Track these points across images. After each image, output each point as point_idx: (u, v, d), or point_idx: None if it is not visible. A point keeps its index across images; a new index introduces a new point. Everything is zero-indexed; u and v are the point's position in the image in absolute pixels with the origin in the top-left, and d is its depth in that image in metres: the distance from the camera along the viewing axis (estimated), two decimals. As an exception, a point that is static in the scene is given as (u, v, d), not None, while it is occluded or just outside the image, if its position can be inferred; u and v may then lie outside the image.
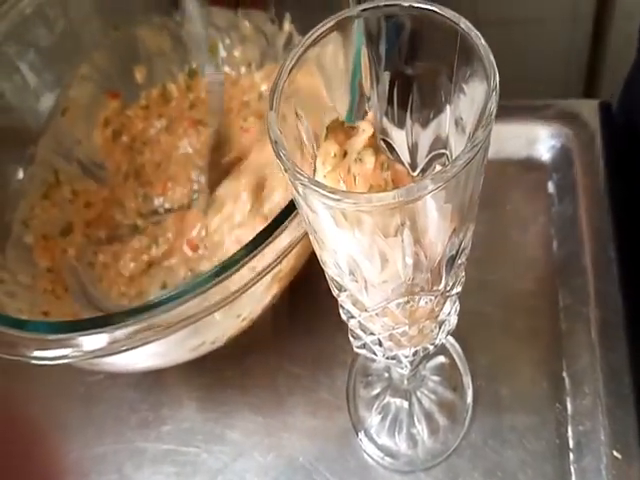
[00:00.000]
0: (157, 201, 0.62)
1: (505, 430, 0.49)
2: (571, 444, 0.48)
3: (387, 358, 0.40)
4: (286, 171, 0.27)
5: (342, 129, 0.31)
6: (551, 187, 0.59)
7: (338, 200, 0.25)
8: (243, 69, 0.64)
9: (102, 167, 0.62)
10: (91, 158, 0.62)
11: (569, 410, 0.49)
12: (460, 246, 0.32)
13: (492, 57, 0.28)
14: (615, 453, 0.46)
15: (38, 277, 0.53)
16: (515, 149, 0.61)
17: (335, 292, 0.36)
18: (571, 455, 0.47)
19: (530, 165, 0.61)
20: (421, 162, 0.35)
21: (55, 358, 0.40)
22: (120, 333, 0.39)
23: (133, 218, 0.61)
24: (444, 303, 0.36)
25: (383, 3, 0.31)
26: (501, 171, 0.60)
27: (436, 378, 0.52)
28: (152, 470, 0.51)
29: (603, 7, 1.01)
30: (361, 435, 0.50)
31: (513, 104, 0.62)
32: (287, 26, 0.60)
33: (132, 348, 0.40)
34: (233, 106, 0.63)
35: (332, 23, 0.31)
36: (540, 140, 0.61)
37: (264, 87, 0.62)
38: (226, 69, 0.64)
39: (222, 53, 0.64)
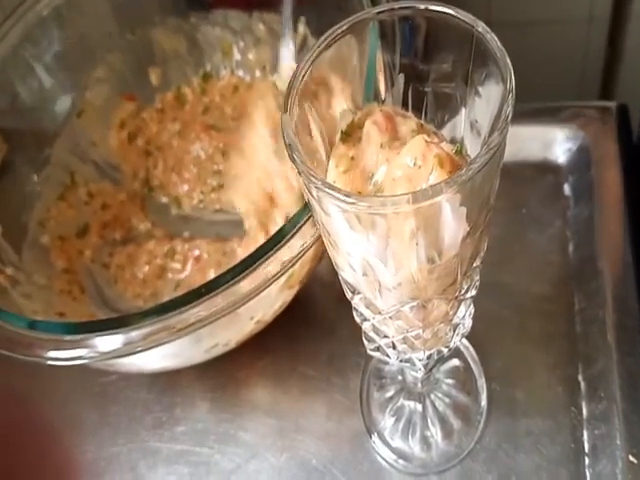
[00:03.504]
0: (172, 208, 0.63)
1: (520, 434, 0.48)
2: (586, 448, 0.47)
3: (401, 361, 0.40)
4: (300, 174, 0.27)
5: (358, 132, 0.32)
6: (567, 190, 0.59)
7: (352, 203, 0.25)
8: (257, 72, 0.64)
9: (117, 169, 0.63)
10: (107, 160, 0.62)
11: (584, 414, 0.48)
12: (475, 249, 0.32)
13: (508, 60, 0.28)
14: (631, 458, 0.45)
15: (54, 278, 0.54)
16: (531, 151, 0.61)
17: (349, 295, 0.36)
18: (586, 459, 0.47)
19: (546, 168, 0.60)
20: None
21: (70, 359, 0.40)
22: (135, 334, 0.40)
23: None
24: (458, 306, 0.36)
25: (398, 5, 0.31)
26: (517, 173, 0.60)
27: (450, 381, 0.51)
28: (166, 470, 0.51)
29: (619, 9, 1.01)
30: (374, 437, 0.50)
31: (529, 106, 0.62)
32: (302, 28, 0.60)
33: (147, 349, 0.40)
34: (246, 112, 0.63)
35: (347, 26, 0.31)
36: (556, 142, 0.61)
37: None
38: (240, 72, 0.65)
39: (237, 56, 0.64)
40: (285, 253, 0.40)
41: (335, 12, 0.52)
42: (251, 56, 0.64)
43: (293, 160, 0.27)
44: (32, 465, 0.54)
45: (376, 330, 0.37)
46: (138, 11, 0.63)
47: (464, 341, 0.52)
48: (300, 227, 0.41)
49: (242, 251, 0.55)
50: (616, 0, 1.00)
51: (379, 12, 0.31)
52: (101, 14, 0.61)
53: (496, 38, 0.29)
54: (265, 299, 0.45)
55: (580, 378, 0.50)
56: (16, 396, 0.57)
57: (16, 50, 0.56)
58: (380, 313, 0.35)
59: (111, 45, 0.62)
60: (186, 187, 0.62)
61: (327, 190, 0.26)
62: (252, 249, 0.53)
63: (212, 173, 0.62)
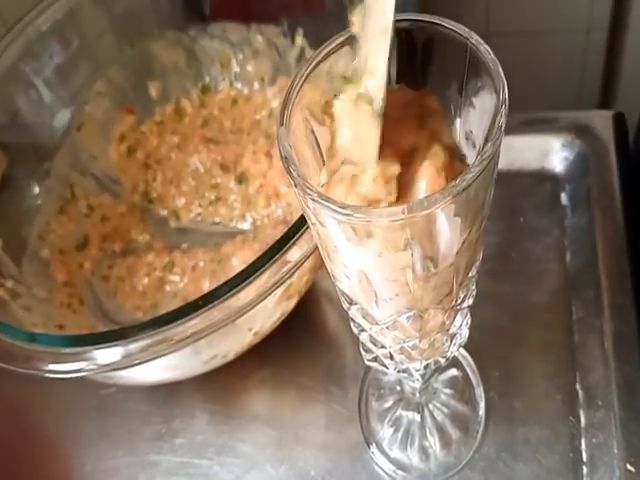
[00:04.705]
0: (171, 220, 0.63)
1: (518, 443, 0.48)
2: (584, 457, 0.47)
3: (398, 371, 0.40)
4: (296, 186, 0.27)
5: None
6: (564, 199, 0.59)
7: (348, 215, 0.26)
8: (256, 84, 0.65)
9: (117, 182, 0.63)
10: (106, 173, 0.63)
11: (582, 423, 0.48)
12: (470, 259, 0.32)
13: (501, 71, 0.28)
14: (629, 466, 0.45)
15: (55, 291, 0.54)
16: (529, 160, 0.61)
17: (346, 306, 0.36)
18: (584, 468, 0.47)
19: (543, 176, 0.61)
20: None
21: (70, 372, 0.41)
22: (134, 346, 0.40)
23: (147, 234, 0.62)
24: (455, 316, 0.36)
25: (394, 18, 0.31)
26: (514, 183, 0.60)
27: (448, 391, 0.51)
28: (165, 483, 0.51)
29: (617, 18, 1.01)
30: (373, 448, 0.50)
31: (526, 116, 0.62)
32: (299, 40, 0.60)
33: (146, 361, 0.40)
34: (244, 126, 0.64)
35: (343, 38, 0.31)
36: (554, 152, 0.61)
37: (275, 103, 0.63)
38: (239, 85, 0.65)
39: (235, 68, 0.65)
40: (282, 264, 0.40)
41: (333, 24, 0.52)
42: (250, 68, 0.65)
43: (289, 173, 0.27)
44: (31, 477, 0.54)
45: (373, 340, 0.38)
46: (137, 25, 0.63)
47: (462, 350, 0.52)
48: (297, 239, 0.41)
49: (237, 261, 0.55)
50: (615, 10, 1.00)
51: (375, 25, 0.31)
52: (100, 28, 0.62)
53: (489, 50, 0.29)
54: (263, 310, 0.45)
55: (578, 387, 0.50)
56: (15, 408, 0.57)
57: (16, 64, 0.57)
58: (377, 323, 0.35)
59: (110, 59, 0.62)
60: (184, 200, 0.63)
61: (323, 202, 0.26)
62: (246, 255, 0.54)
63: (210, 187, 0.62)
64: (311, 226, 0.31)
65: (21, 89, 0.57)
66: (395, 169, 0.28)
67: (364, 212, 0.26)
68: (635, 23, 1.01)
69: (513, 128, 0.59)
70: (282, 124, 0.29)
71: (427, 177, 0.27)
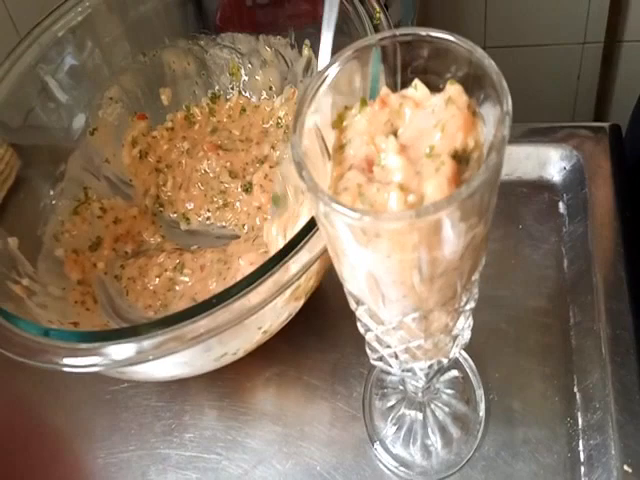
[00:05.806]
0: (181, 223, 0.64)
1: (517, 443, 0.50)
2: (582, 458, 0.48)
3: (403, 371, 0.41)
4: (308, 190, 0.29)
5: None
6: (562, 207, 0.60)
7: (358, 218, 0.27)
8: (264, 94, 0.66)
9: (129, 185, 0.64)
10: (119, 176, 0.64)
11: (580, 424, 0.49)
12: (474, 263, 0.33)
13: (505, 83, 0.29)
14: (626, 467, 0.46)
15: (69, 289, 0.55)
16: (527, 170, 0.62)
17: (353, 306, 0.37)
18: (582, 469, 0.48)
19: (542, 186, 0.62)
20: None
21: (85, 366, 0.42)
22: (147, 343, 0.41)
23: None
24: (458, 318, 0.37)
25: (399, 32, 0.32)
26: (513, 191, 0.61)
27: (450, 391, 0.53)
28: (175, 476, 0.52)
29: (612, 32, 1.02)
30: (377, 445, 0.51)
31: (525, 126, 0.63)
32: (306, 51, 0.62)
33: (159, 358, 0.41)
34: (252, 135, 0.66)
35: (351, 51, 0.32)
36: (551, 162, 0.62)
37: (282, 113, 0.65)
38: (247, 94, 0.67)
39: (244, 77, 0.66)
40: (291, 267, 0.42)
41: (338, 35, 0.53)
42: (258, 77, 0.66)
43: (302, 177, 0.29)
44: (44, 471, 0.55)
45: (379, 340, 0.39)
46: (149, 33, 0.65)
47: (463, 353, 0.53)
48: (306, 241, 0.42)
49: (243, 262, 0.56)
50: (610, 24, 1.01)
51: (382, 39, 0.33)
52: (114, 36, 0.63)
53: (494, 63, 0.30)
54: (272, 310, 0.46)
55: (576, 389, 0.51)
56: (29, 403, 0.58)
57: (32, 69, 0.58)
58: (383, 324, 0.36)
59: (123, 66, 0.64)
60: (193, 204, 0.64)
61: (333, 205, 0.27)
62: (252, 256, 0.55)
63: (218, 192, 0.64)
64: (321, 228, 0.32)
65: (36, 93, 0.59)
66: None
67: (373, 216, 0.27)
68: (630, 36, 1.02)
69: (513, 138, 0.60)
70: (295, 132, 0.31)
71: (434, 187, 0.29)
